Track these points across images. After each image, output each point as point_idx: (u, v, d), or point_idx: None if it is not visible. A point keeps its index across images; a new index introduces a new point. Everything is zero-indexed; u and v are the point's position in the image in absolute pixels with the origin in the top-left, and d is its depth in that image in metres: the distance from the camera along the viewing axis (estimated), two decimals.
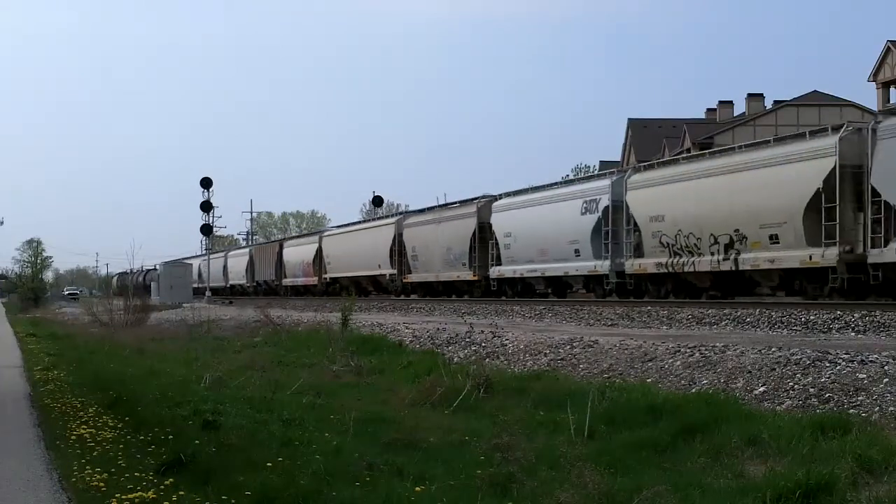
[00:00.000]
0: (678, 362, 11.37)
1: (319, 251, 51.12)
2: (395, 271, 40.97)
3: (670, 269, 25.00)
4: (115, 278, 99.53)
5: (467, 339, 16.16)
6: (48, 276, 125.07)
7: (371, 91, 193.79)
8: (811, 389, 9.09)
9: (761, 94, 70.80)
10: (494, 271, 33.23)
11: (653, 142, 73.90)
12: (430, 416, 10.07)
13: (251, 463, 7.38)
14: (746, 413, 8.60)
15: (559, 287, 31.27)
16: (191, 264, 66.85)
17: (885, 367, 9.15)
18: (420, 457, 7.85)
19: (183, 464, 7.39)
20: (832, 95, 66.11)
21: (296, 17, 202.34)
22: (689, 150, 67.85)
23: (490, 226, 33.71)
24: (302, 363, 15.87)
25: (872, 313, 16.01)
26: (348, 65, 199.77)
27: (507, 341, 15.35)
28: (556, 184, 33.79)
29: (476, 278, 34.54)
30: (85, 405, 11.19)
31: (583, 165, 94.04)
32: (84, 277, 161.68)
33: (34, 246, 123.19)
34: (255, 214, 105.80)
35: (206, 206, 57.44)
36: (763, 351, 10.80)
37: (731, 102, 74.77)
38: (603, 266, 27.54)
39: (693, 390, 10.13)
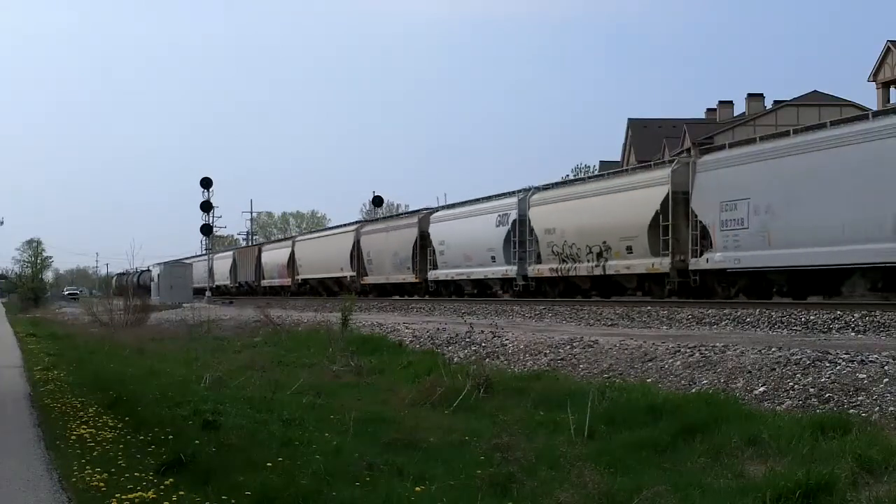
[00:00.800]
0: (678, 362, 11.37)
1: (292, 255, 55.80)
2: (354, 273, 45.52)
3: (560, 273, 29.99)
4: (114, 279, 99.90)
5: (467, 339, 16.16)
6: (48, 276, 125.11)
7: (371, 91, 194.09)
8: (811, 389, 9.09)
9: (761, 94, 70.82)
10: (432, 274, 38.29)
11: (653, 142, 73.91)
12: (430, 416, 10.07)
13: (251, 463, 7.38)
14: (746, 413, 8.60)
15: (482, 288, 36.08)
16: (191, 264, 67.04)
17: (885, 367, 9.15)
18: (420, 457, 7.85)
19: (183, 464, 7.39)
20: (832, 95, 66.13)
21: (296, 17, 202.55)
22: (689, 151, 67.92)
23: (428, 235, 38.65)
24: (302, 363, 15.87)
25: (872, 313, 16.01)
26: (348, 65, 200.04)
27: (507, 341, 15.35)
28: (479, 199, 37.92)
29: (418, 280, 39.26)
30: (85, 405, 11.19)
31: (583, 165, 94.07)
32: (84, 277, 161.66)
33: (34, 246, 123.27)
34: (255, 214, 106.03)
35: (206, 206, 57.48)
36: (763, 351, 10.80)
37: (731, 102, 74.78)
38: (512, 270, 32.54)
39: (693, 390, 10.13)
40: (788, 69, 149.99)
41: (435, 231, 38.21)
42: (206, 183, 57.51)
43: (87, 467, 7.50)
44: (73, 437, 8.97)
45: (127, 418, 9.90)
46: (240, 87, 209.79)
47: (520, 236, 32.16)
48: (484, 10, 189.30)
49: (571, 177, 73.18)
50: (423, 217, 40.25)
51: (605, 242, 27.59)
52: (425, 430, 8.95)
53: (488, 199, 36.86)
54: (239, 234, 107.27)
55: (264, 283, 61.92)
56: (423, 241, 39.01)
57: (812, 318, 16.63)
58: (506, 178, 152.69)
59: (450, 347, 16.16)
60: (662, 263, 25.23)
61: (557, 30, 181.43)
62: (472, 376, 11.37)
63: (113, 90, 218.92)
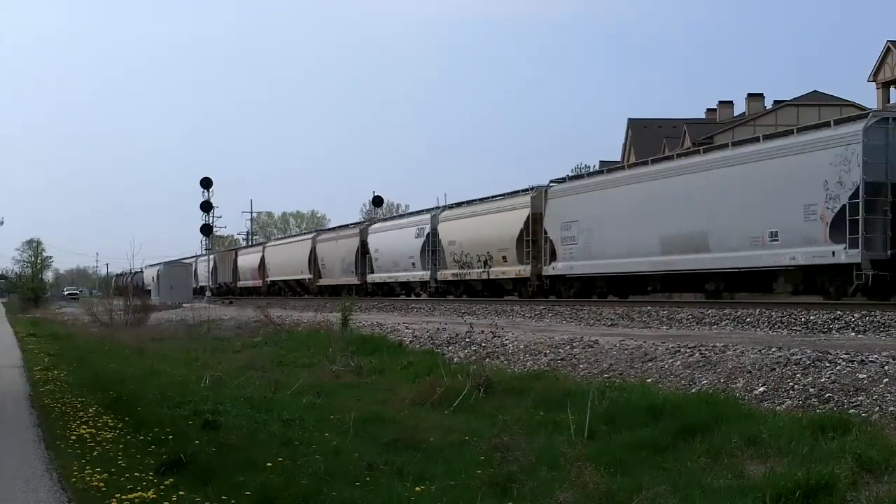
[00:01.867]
0: (678, 362, 11.37)
1: (263, 259, 62.07)
2: (311, 276, 52.21)
3: (460, 277, 36.72)
4: (112, 280, 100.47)
5: (467, 339, 16.16)
6: (48, 276, 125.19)
7: (371, 91, 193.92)
8: (811, 389, 9.09)
9: (761, 94, 70.81)
10: (370, 277, 45.00)
11: (653, 142, 73.90)
12: (430, 416, 10.08)
13: (251, 463, 7.39)
14: (746, 413, 8.60)
15: (408, 289, 42.31)
16: (191, 264, 67.55)
17: (885, 367, 9.15)
18: (420, 457, 7.86)
19: (183, 464, 7.39)
20: (832, 95, 66.11)
21: (296, 17, 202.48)
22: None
23: (367, 244, 45.22)
24: (302, 363, 15.88)
25: (872, 313, 16.01)
26: (348, 65, 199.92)
27: (507, 341, 15.35)
28: (404, 215, 48.05)
29: (360, 282, 45.48)
30: (85, 405, 11.18)
31: (583, 165, 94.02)
32: (84, 277, 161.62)
33: (34, 246, 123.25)
34: (255, 214, 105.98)
35: (206, 206, 57.51)
36: (763, 351, 10.80)
37: (731, 102, 74.77)
38: (427, 275, 39.25)
39: (693, 390, 10.13)
40: (788, 69, 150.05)
41: (372, 241, 44.89)
42: (206, 183, 57.54)
43: (87, 467, 7.50)
44: (73, 437, 8.97)
45: (127, 418, 9.90)
46: (240, 87, 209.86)
47: (432, 246, 38.92)
48: (484, 10, 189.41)
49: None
50: (363, 228, 47.31)
51: (488, 253, 34.19)
52: (425, 431, 8.96)
53: (411, 214, 45.87)
54: (239, 234, 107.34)
55: (240, 283, 67.55)
56: (364, 249, 45.57)
57: (812, 318, 16.63)
58: (506, 177, 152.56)
59: (450, 347, 16.16)
60: (526, 270, 32.14)
61: (557, 30, 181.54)
62: (472, 376, 11.38)
63: (113, 90, 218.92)
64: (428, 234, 38.93)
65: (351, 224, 52.42)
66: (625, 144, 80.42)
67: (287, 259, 56.74)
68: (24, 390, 13.65)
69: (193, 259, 71.99)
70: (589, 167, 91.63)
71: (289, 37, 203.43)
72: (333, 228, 56.25)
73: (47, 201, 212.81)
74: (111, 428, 9.43)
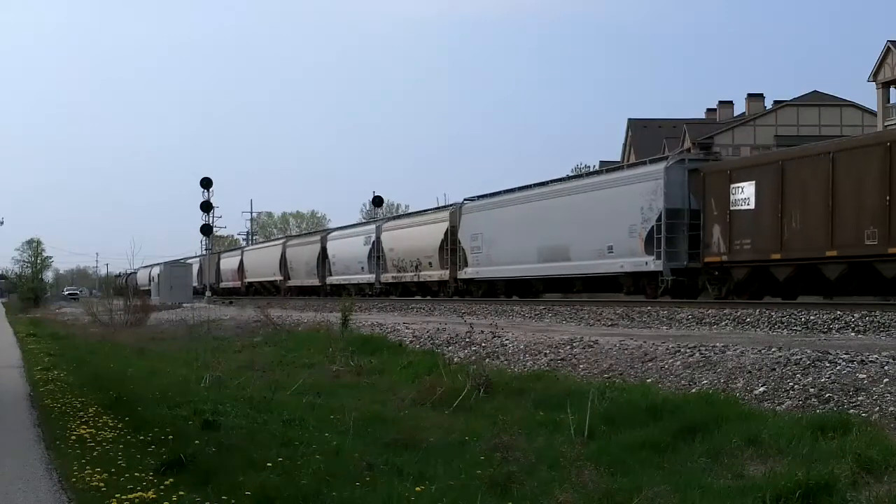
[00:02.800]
0: (678, 362, 11.37)
1: (241, 262, 67.64)
2: (282, 278, 57.80)
3: (398, 279, 42.43)
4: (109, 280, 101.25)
5: (467, 339, 16.15)
6: (48, 276, 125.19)
7: (371, 91, 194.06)
8: (811, 389, 9.09)
9: (761, 94, 70.84)
10: (328, 279, 50.90)
11: (653, 142, 73.93)
12: (430, 416, 10.07)
13: (251, 463, 7.39)
14: (746, 413, 8.59)
15: (359, 290, 46.66)
16: (190, 265, 68.07)
17: (885, 367, 9.15)
18: (420, 457, 7.86)
19: (183, 464, 7.39)
20: (832, 95, 66.12)
21: (295, 17, 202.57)
22: (689, 150, 67.92)
23: (326, 249, 51.34)
24: (302, 363, 15.86)
25: (872, 313, 16.02)
26: (348, 65, 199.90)
27: (507, 341, 15.35)
28: (355, 224, 54.59)
29: (320, 284, 51.49)
30: (85, 405, 11.18)
31: (583, 165, 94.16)
32: (84, 277, 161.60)
33: (34, 246, 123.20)
34: (255, 214, 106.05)
35: (206, 206, 57.50)
36: (763, 351, 10.80)
37: (731, 102, 74.79)
38: (373, 277, 45.00)
39: (693, 390, 10.13)
40: (788, 69, 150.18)
41: (330, 247, 50.99)
42: (206, 183, 57.51)
43: (87, 467, 7.50)
44: (73, 437, 8.96)
45: (127, 418, 9.90)
46: (240, 87, 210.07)
47: (377, 253, 44.58)
48: (484, 10, 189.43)
49: (479, 196, 77.55)
50: (323, 236, 53.82)
51: (418, 259, 39.83)
52: (425, 430, 8.95)
53: (361, 224, 53.87)
54: (239, 234, 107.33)
55: (222, 284, 71.47)
56: (324, 255, 51.46)
57: (812, 318, 16.63)
58: (506, 177, 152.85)
59: (450, 347, 16.15)
60: (446, 274, 37.96)
61: (557, 29, 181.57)
62: (471, 376, 11.37)
63: (113, 90, 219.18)
64: (373, 242, 44.98)
65: (314, 231, 63.56)
66: (625, 144, 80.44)
67: (262, 262, 62.49)
68: (24, 390, 13.64)
69: (176, 262, 74.49)
70: (589, 167, 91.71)
71: (289, 37, 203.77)
72: (300, 235, 65.56)
73: (47, 201, 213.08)
74: (111, 428, 9.43)
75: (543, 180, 33.56)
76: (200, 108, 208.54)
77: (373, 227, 46.81)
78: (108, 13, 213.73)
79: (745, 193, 23.42)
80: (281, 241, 62.87)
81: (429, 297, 38.03)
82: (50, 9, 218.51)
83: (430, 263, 38.97)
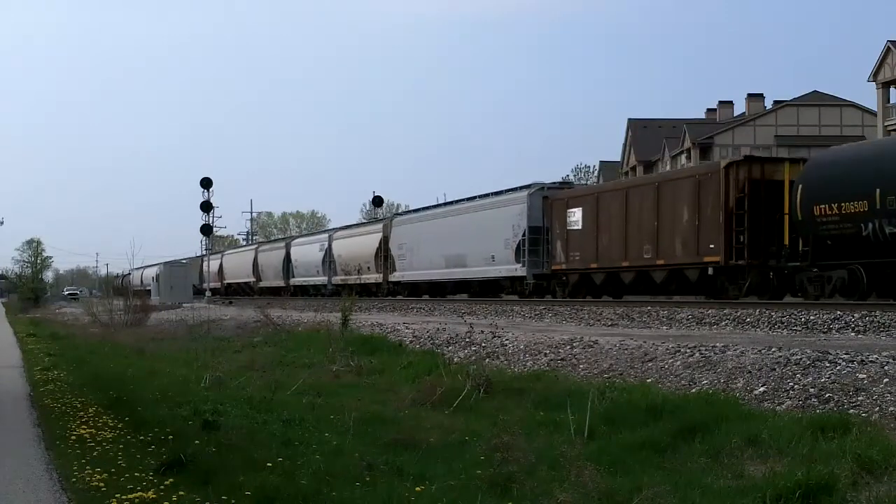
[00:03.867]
0: (678, 362, 11.37)
1: (221, 265, 72.57)
2: (255, 279, 64.05)
3: (345, 281, 44.44)
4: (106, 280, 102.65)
5: (467, 340, 16.15)
6: (48, 276, 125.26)
7: (371, 91, 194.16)
8: (811, 389, 9.09)
9: (761, 95, 70.84)
10: (291, 281, 56.86)
11: (653, 142, 73.89)
12: (430, 416, 10.08)
13: (251, 463, 7.39)
14: (746, 413, 8.60)
15: (316, 290, 52.57)
16: (190, 265, 68.49)
17: (885, 367, 9.15)
18: (420, 457, 7.86)
19: (183, 464, 7.39)
20: (832, 95, 66.12)
21: (296, 16, 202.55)
22: (689, 151, 67.95)
23: (290, 254, 57.40)
24: (302, 363, 15.86)
25: (872, 313, 16.01)
26: (348, 65, 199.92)
27: (507, 341, 15.35)
28: (312, 232, 65.37)
29: (285, 285, 57.64)
30: (85, 405, 11.19)
31: (583, 165, 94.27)
32: (84, 277, 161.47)
33: (34, 246, 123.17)
34: (255, 214, 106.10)
35: (206, 206, 57.51)
36: (763, 351, 10.80)
37: (731, 102, 74.78)
38: (325, 280, 51.01)
39: (693, 390, 10.13)
40: (788, 69, 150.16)
41: (293, 253, 57.43)
42: (206, 183, 57.50)
43: (87, 467, 7.50)
44: (73, 437, 8.96)
45: (127, 418, 9.90)
46: (240, 87, 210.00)
47: (329, 258, 50.46)
48: (484, 10, 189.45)
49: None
50: (288, 243, 60.58)
51: (359, 264, 45.07)
52: (425, 431, 8.95)
53: (318, 233, 61.91)
54: (239, 234, 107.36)
55: (203, 285, 74.76)
56: (288, 259, 57.67)
57: (812, 318, 16.62)
58: (506, 177, 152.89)
59: (450, 347, 16.15)
60: (380, 277, 44.17)
61: (557, 29, 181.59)
62: (471, 376, 11.37)
63: (113, 90, 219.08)
64: (326, 249, 51.24)
65: (280, 238, 69.27)
66: (625, 144, 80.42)
67: (238, 265, 68.41)
68: (24, 390, 13.64)
69: (164, 265, 78.05)
70: (589, 167, 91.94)
71: (288, 37, 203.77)
72: (270, 241, 72.11)
73: (47, 201, 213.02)
74: (111, 428, 9.43)
75: (451, 200, 42.39)
76: (200, 108, 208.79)
77: (325, 236, 54.52)
78: (107, 13, 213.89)
79: (576, 217, 30.02)
80: (254, 247, 69.59)
81: (426, 297, 39.15)
82: (50, 9, 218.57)
83: (368, 268, 45.10)
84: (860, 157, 21.58)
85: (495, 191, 36.62)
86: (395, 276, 42.68)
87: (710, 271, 24.44)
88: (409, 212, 47.43)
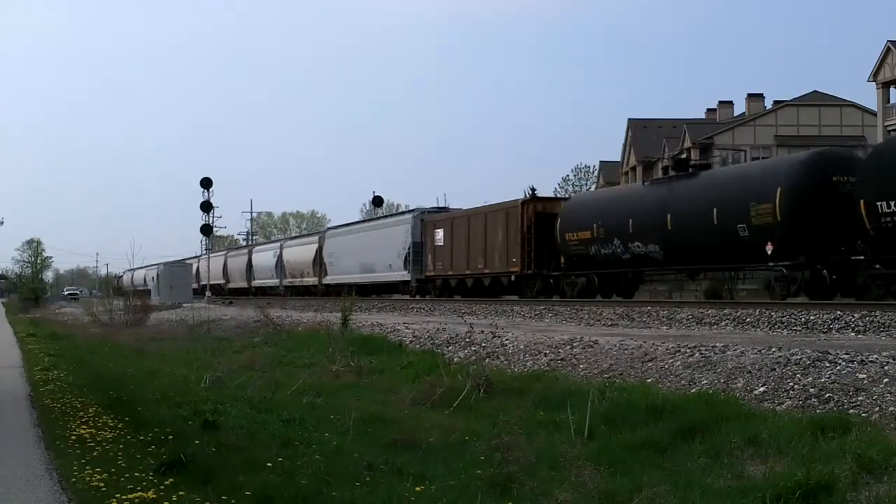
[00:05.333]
0: (678, 362, 11.37)
1: (198, 268, 77.83)
2: (224, 281, 72.11)
3: (292, 283, 56.49)
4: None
5: (467, 340, 16.16)
6: (48, 276, 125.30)
7: (371, 91, 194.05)
8: (811, 389, 9.09)
9: (761, 95, 70.73)
10: (252, 283, 66.16)
11: (653, 142, 73.83)
12: (430, 416, 10.08)
13: (251, 463, 7.39)
14: (746, 413, 8.60)
15: (273, 290, 61.10)
16: (190, 265, 69.03)
17: (885, 367, 9.15)
18: (420, 457, 7.86)
19: (183, 464, 7.38)
20: (832, 95, 66.04)
21: (296, 16, 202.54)
22: (689, 150, 67.94)
23: (252, 260, 66.41)
24: (302, 363, 15.87)
25: (872, 313, 16.01)
26: (348, 65, 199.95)
27: (506, 341, 15.35)
28: (269, 241, 75.43)
29: (248, 286, 66.12)
30: (85, 405, 11.18)
31: (583, 165, 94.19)
32: (84, 277, 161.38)
33: (34, 246, 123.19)
34: (255, 214, 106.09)
35: (206, 206, 57.62)
36: (763, 351, 10.80)
37: (731, 102, 74.69)
38: (278, 282, 60.22)
39: (693, 390, 10.13)
40: (788, 69, 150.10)
41: (254, 259, 66.46)
42: (206, 183, 57.65)
43: (87, 467, 7.50)
44: (73, 438, 8.96)
45: (127, 418, 9.89)
46: (240, 87, 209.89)
47: (280, 263, 59.31)
48: (484, 10, 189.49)
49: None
50: (250, 250, 70.94)
51: (302, 269, 54.85)
52: (425, 431, 8.95)
53: (273, 241, 73.47)
54: (239, 234, 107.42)
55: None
56: (250, 264, 66.74)
57: (812, 318, 16.62)
58: (506, 177, 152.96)
59: (450, 347, 16.15)
60: (316, 280, 52.34)
61: (557, 29, 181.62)
62: (471, 376, 11.37)
63: (113, 90, 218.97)
64: (279, 256, 60.00)
65: (244, 245, 78.20)
66: (625, 144, 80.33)
67: (212, 269, 73.05)
68: (24, 390, 13.64)
69: (154, 266, 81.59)
70: (589, 167, 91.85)
71: (289, 37, 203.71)
72: (240, 247, 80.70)
73: (47, 201, 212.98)
74: (111, 428, 9.42)
75: (365, 219, 55.44)
76: (200, 108, 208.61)
77: (278, 245, 64.15)
78: (107, 13, 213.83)
79: (439, 236, 38.32)
80: (223, 253, 78.61)
81: (428, 297, 39.60)
82: (50, 9, 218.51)
83: (308, 272, 53.97)
84: (587, 201, 33.87)
85: (392, 213, 50.09)
86: (327, 280, 50.84)
87: (513, 278, 33.36)
88: (338, 227, 57.10)
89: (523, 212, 32.33)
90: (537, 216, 32.10)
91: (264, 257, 63.95)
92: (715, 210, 24.48)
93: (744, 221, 23.48)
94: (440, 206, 45.97)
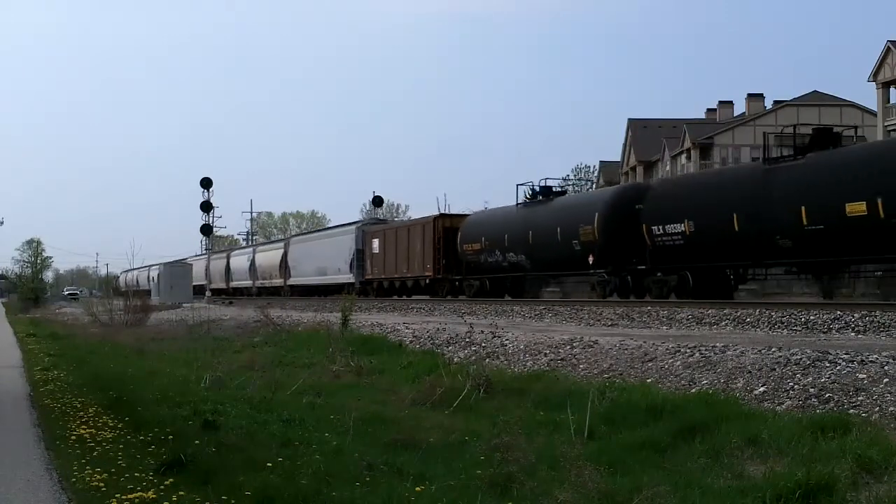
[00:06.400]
0: (678, 362, 11.37)
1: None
2: (207, 282, 76.48)
3: (262, 285, 62.98)
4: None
5: (467, 340, 16.15)
6: (48, 276, 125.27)
7: (371, 91, 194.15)
8: (811, 389, 9.09)
9: (761, 95, 70.87)
10: (230, 284, 70.84)
11: (653, 142, 73.86)
12: (430, 416, 10.07)
13: (251, 463, 7.39)
14: (746, 413, 8.59)
15: (247, 291, 66.70)
16: (191, 265, 69.28)
17: (885, 367, 9.15)
18: (420, 457, 7.85)
19: (183, 464, 7.38)
20: (832, 95, 66.12)
21: (296, 16, 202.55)
22: (689, 151, 67.95)
23: (230, 263, 71.93)
24: (302, 363, 15.86)
25: (872, 313, 16.00)
26: (348, 65, 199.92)
27: (507, 341, 15.35)
28: (244, 247, 79.65)
29: (226, 287, 71.20)
30: (85, 405, 11.17)
31: (583, 165, 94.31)
32: (84, 277, 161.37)
33: (34, 246, 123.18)
34: (255, 214, 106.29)
35: (206, 206, 57.80)
36: (763, 351, 10.80)
37: (731, 102, 74.78)
38: (251, 283, 66.05)
39: (693, 390, 10.13)
40: (788, 69, 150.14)
41: (231, 262, 72.10)
42: (206, 183, 57.88)
43: (87, 467, 7.50)
44: (73, 438, 8.96)
45: (127, 418, 9.89)
46: (240, 87, 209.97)
47: (253, 267, 65.42)
48: (484, 10, 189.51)
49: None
50: (228, 254, 76.69)
51: (271, 272, 60.98)
52: (425, 431, 8.95)
53: (246, 247, 77.62)
54: (239, 235, 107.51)
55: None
56: (229, 266, 72.23)
57: (812, 318, 16.61)
58: (506, 177, 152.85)
59: (450, 347, 16.15)
60: (282, 281, 58.32)
61: (557, 29, 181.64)
62: (471, 376, 11.37)
63: (113, 90, 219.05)
64: (251, 259, 66.47)
65: (223, 249, 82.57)
66: (625, 144, 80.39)
67: (195, 270, 76.96)
68: (24, 390, 13.64)
69: (147, 268, 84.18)
70: (589, 167, 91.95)
71: (289, 37, 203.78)
72: (217, 251, 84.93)
73: (47, 201, 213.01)
74: (111, 428, 9.42)
75: (321, 227, 59.69)
76: (200, 108, 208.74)
77: (251, 250, 70.27)
78: (108, 13, 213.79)
79: (375, 245, 45.03)
80: (205, 256, 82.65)
81: (428, 298, 39.99)
82: (50, 9, 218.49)
83: (275, 275, 60.53)
84: (480, 218, 39.02)
85: (342, 223, 55.45)
86: (291, 282, 57.11)
87: (428, 280, 39.85)
88: (300, 234, 69.54)
89: (435, 226, 39.22)
90: (445, 230, 38.65)
91: (240, 261, 70.48)
92: (559, 229, 30.92)
93: (576, 238, 29.87)
94: (379, 218, 60.09)
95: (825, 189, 21.69)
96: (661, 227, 26.62)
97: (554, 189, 34.76)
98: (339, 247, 49.16)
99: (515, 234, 33.69)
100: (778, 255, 23.30)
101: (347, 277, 46.97)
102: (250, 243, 79.26)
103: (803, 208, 21.91)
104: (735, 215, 23.83)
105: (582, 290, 32.75)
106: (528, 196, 34.63)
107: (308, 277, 54.00)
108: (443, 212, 42.45)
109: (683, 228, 25.72)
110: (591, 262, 29.24)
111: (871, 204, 20.31)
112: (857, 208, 20.62)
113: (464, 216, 39.99)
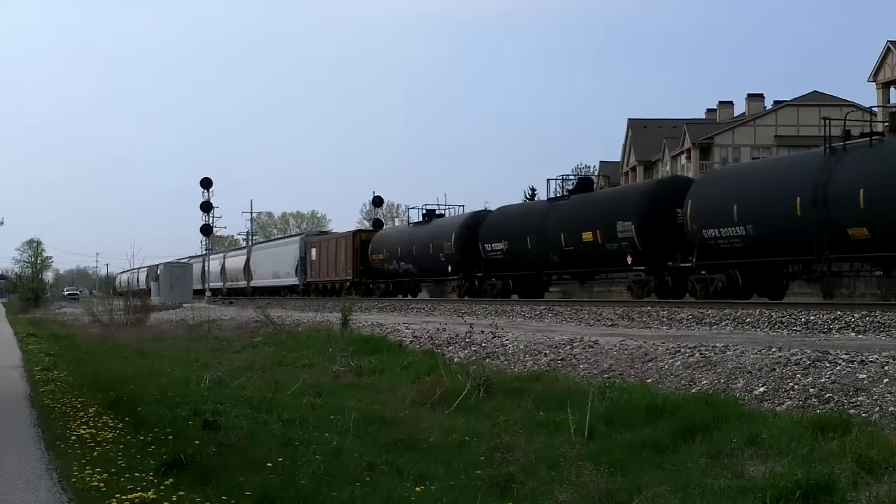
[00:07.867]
0: (678, 362, 11.37)
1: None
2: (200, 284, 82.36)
3: (232, 286, 71.96)
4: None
5: (467, 340, 16.16)
6: (48, 276, 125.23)
7: (371, 90, 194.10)
8: (811, 390, 9.10)
9: (761, 95, 70.84)
10: (210, 284, 71.68)
11: (653, 142, 73.85)
12: (430, 416, 10.07)
13: (251, 463, 7.38)
14: (746, 413, 8.60)
15: (220, 291, 72.81)
16: (191, 265, 69.35)
17: (885, 368, 9.15)
18: (420, 457, 7.86)
19: (183, 464, 7.38)
20: (832, 95, 66.10)
21: (295, 16, 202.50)
22: (689, 151, 67.95)
23: (208, 265, 73.60)
24: (302, 363, 15.87)
25: (873, 313, 16.01)
26: (348, 64, 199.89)
27: (507, 341, 15.35)
28: (218, 251, 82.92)
29: (203, 288, 71.67)
30: (85, 405, 11.18)
31: (583, 165, 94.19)
32: (84, 277, 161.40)
33: (34, 246, 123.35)
34: (255, 214, 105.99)
35: (206, 207, 57.71)
36: (763, 351, 10.80)
37: (731, 102, 74.75)
38: (222, 284, 74.24)
39: (693, 390, 10.13)
40: (788, 69, 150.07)
41: (210, 264, 73.60)
42: (206, 183, 57.77)
43: (87, 467, 7.49)
44: (73, 438, 8.96)
45: (127, 418, 9.89)
46: (240, 87, 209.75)
47: (223, 270, 74.67)
48: (484, 10, 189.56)
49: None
50: (205, 257, 78.64)
51: (238, 275, 70.69)
52: (425, 431, 8.95)
53: (218, 252, 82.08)
54: (239, 235, 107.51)
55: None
56: (204, 269, 73.21)
57: (812, 318, 16.62)
58: (506, 177, 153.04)
59: (450, 347, 16.16)
60: (247, 283, 67.13)
61: (557, 29, 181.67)
62: (472, 376, 11.37)
63: (113, 90, 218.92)
64: (222, 264, 75.74)
65: (203, 254, 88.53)
66: (625, 144, 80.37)
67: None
68: (24, 390, 13.64)
69: (137, 270, 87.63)
70: (589, 167, 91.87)
71: (288, 36, 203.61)
72: (198, 256, 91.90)
73: (47, 201, 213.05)
74: (111, 428, 9.42)
75: (277, 237, 71.62)
76: (200, 108, 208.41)
77: (222, 255, 79.61)
78: (108, 13, 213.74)
79: (314, 253, 53.83)
80: (188, 258, 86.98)
81: (428, 299, 40.49)
82: (50, 9, 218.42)
83: (240, 277, 69.85)
84: (384, 234, 49.33)
85: (290, 234, 62.99)
86: (252, 284, 66.48)
87: (349, 283, 45.10)
88: (259, 243, 77.67)
89: (353, 240, 48.83)
90: (362, 242, 47.95)
91: (215, 265, 76.97)
92: (431, 244, 40.02)
93: (442, 251, 38.67)
94: (323, 230, 77.38)
95: None
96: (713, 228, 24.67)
97: (436, 212, 44.04)
98: (287, 255, 58.50)
99: (405, 248, 42.89)
100: (849, 248, 20.99)
101: (294, 280, 56.54)
102: (250, 243, 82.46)
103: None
104: (799, 199, 21.77)
105: (616, 288, 34.64)
106: (423, 216, 44.06)
107: (266, 280, 63.75)
108: (359, 228, 57.68)
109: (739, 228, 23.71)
110: (449, 270, 37.28)
111: None
112: None
113: (375, 231, 51.66)
